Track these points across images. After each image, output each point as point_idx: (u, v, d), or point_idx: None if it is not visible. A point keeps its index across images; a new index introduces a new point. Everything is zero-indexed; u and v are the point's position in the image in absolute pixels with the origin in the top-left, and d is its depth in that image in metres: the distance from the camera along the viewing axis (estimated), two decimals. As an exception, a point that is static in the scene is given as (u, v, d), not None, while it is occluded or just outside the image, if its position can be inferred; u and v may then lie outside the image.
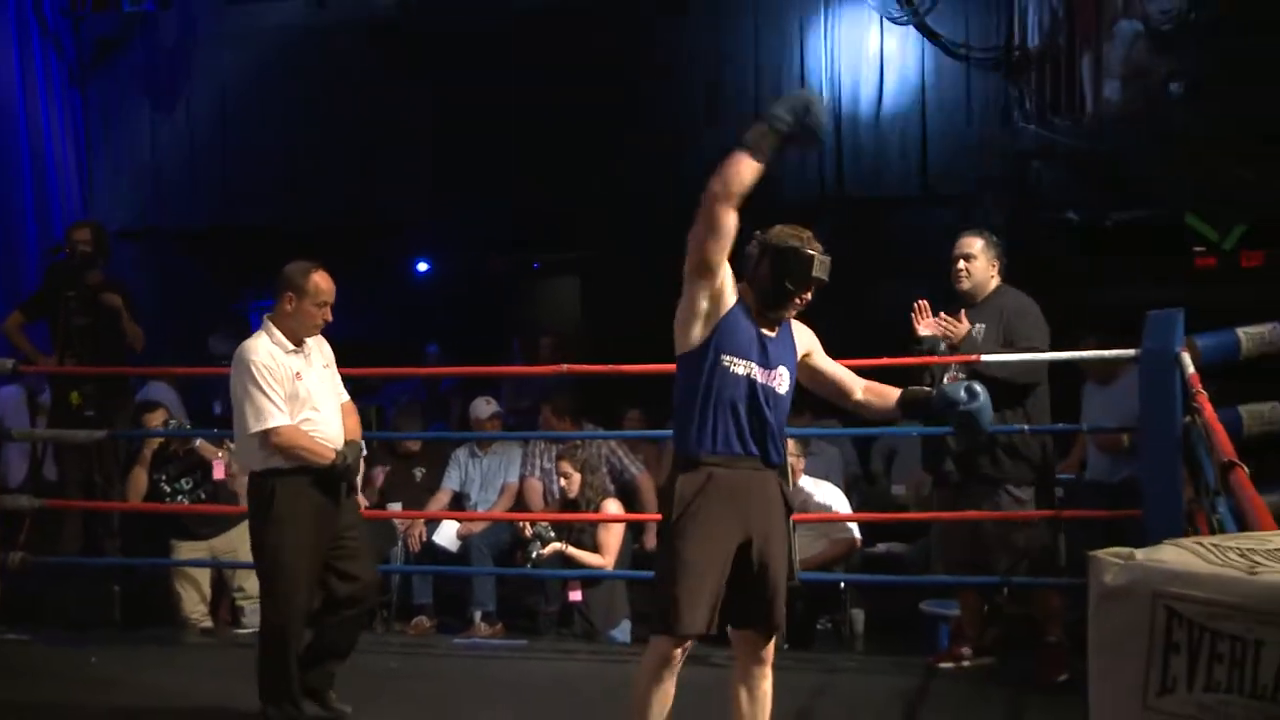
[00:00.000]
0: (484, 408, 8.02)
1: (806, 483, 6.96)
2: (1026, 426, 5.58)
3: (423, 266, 12.79)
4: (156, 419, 7.34)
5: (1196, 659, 1.83)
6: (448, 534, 7.67)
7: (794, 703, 5.29)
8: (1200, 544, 1.94)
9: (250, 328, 12.41)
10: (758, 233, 4.04)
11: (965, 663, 5.86)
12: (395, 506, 7.82)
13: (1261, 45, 5.89)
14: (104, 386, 7.33)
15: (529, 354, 10.15)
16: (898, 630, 7.15)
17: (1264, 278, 9.38)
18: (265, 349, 4.84)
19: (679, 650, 3.83)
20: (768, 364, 3.93)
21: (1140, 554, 1.90)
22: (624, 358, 7.04)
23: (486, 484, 7.82)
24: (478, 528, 7.58)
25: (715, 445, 3.85)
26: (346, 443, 4.96)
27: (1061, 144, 7.61)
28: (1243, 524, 3.41)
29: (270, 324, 4.91)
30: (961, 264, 5.69)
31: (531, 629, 7.22)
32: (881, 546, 7.60)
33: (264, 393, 4.77)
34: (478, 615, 7.30)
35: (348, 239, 10.75)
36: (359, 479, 5.49)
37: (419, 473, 8.02)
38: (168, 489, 7.14)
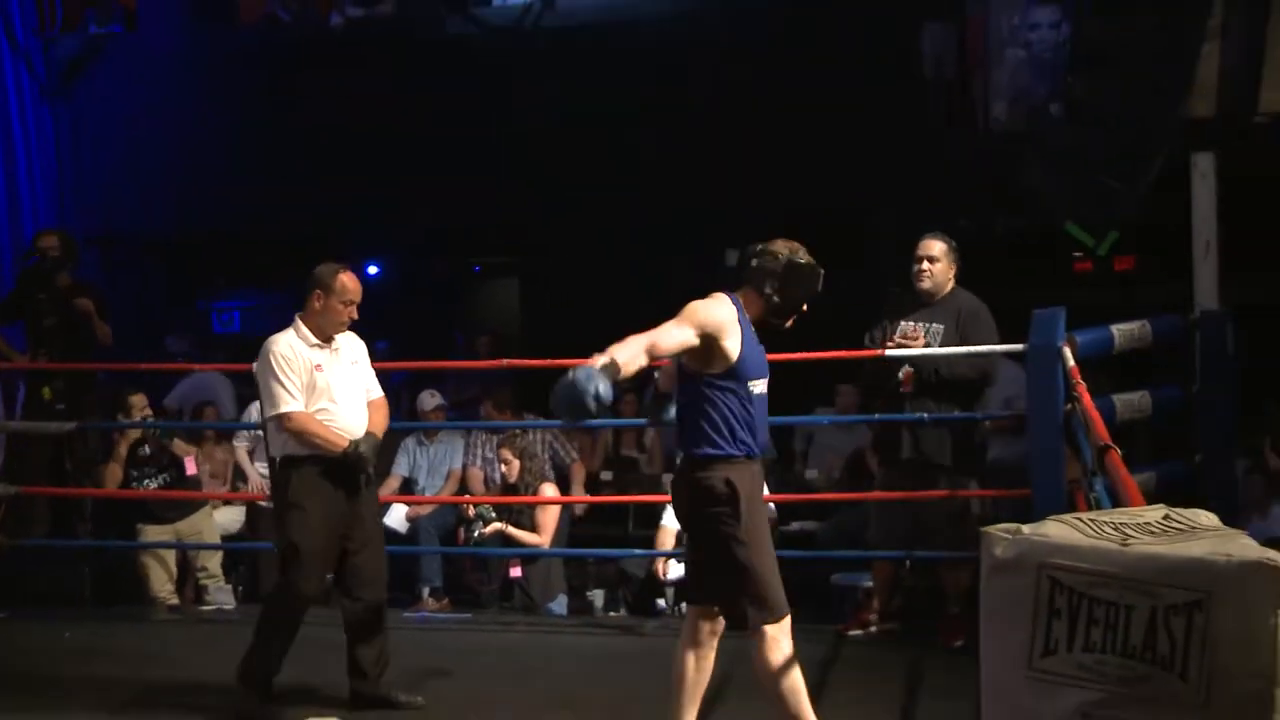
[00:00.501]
0: (429, 400, 8.01)
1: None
2: (926, 415, 5.63)
3: (373, 270, 12.69)
4: (136, 410, 7.28)
5: (1076, 623, 1.87)
6: (397, 516, 7.65)
7: (717, 667, 5.30)
8: (1080, 519, 1.98)
9: (211, 327, 12.36)
10: (759, 247, 4.02)
11: (872, 629, 5.93)
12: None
13: (1129, 72, 6.02)
14: (73, 382, 7.28)
15: (471, 350, 10.13)
16: (810, 602, 7.20)
17: (1134, 280, 9.57)
18: (287, 341, 4.78)
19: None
20: (766, 371, 3.98)
21: (1027, 529, 1.94)
22: (561, 353, 7.04)
23: (433, 470, 7.87)
24: (425, 510, 7.58)
25: (747, 447, 3.87)
26: (365, 434, 4.83)
27: (955, 158, 7.71)
28: (1117, 500, 3.50)
29: (299, 320, 4.85)
30: (925, 265, 5.70)
31: (475, 603, 7.20)
32: (796, 525, 7.65)
33: (279, 380, 4.70)
34: (425, 591, 7.28)
35: (301, 244, 10.63)
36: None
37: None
38: (138, 485, 7.11)
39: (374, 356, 5.18)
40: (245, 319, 12.47)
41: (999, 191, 7.50)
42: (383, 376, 9.69)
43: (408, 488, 7.88)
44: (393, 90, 10.06)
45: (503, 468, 7.09)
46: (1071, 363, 5.12)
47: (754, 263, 3.99)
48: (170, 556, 7.19)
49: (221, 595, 7.20)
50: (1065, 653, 1.88)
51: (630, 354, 3.62)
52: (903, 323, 5.73)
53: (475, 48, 9.90)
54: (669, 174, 9.32)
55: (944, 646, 5.55)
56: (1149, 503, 2.43)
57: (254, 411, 7.28)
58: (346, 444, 4.75)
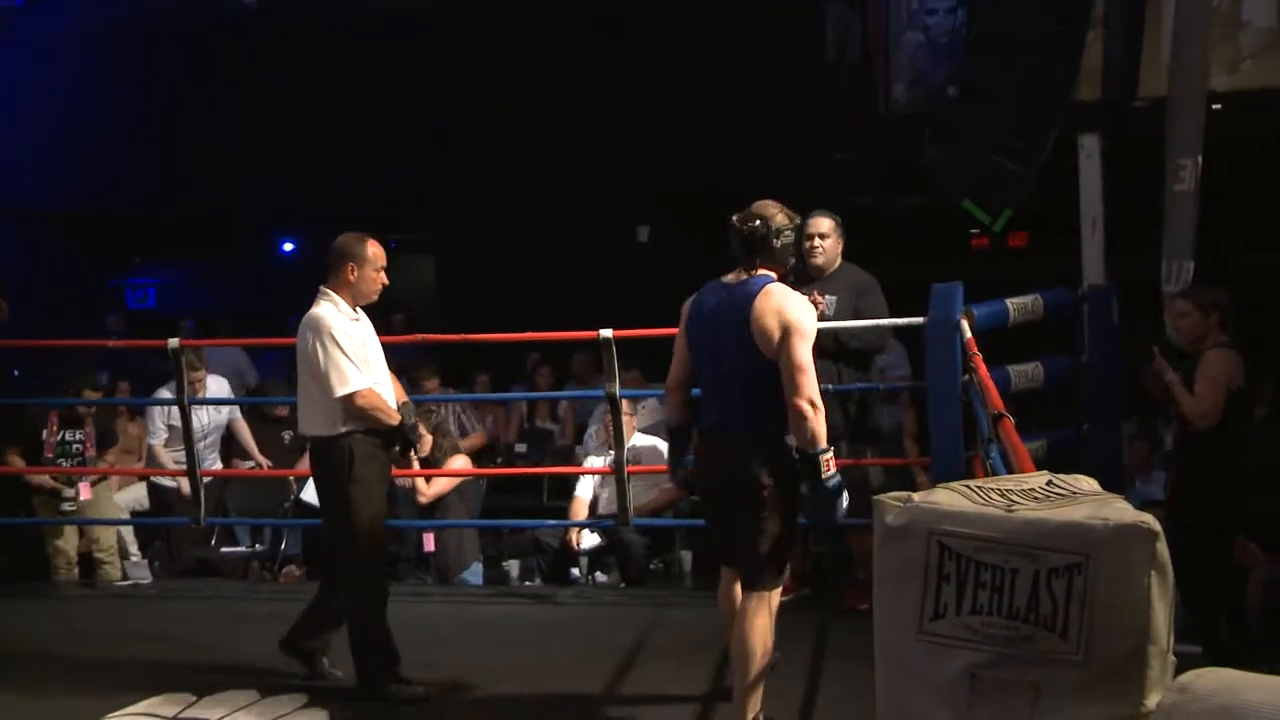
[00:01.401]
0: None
1: (639, 439, 7.01)
2: (831, 386, 5.68)
3: (289, 246, 12.49)
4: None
5: (964, 587, 1.91)
6: (313, 493, 7.55)
7: (632, 634, 5.37)
8: (968, 486, 2.02)
9: (126, 304, 12.08)
10: (764, 222, 4.03)
11: (789, 595, 5.97)
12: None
13: (1020, 56, 6.13)
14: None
15: (386, 326, 10.01)
16: (720, 569, 7.26)
17: (1027, 255, 9.78)
18: (335, 315, 4.57)
19: None
20: None
21: (918, 497, 1.97)
22: (476, 327, 7.02)
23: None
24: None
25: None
26: (402, 404, 4.70)
27: (858, 137, 7.78)
28: (1009, 467, 3.57)
29: (332, 294, 4.62)
30: (816, 241, 5.70)
31: (392, 574, 7.15)
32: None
33: (346, 356, 4.50)
34: (343, 564, 7.20)
35: (215, 220, 10.44)
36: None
37: (287, 435, 7.89)
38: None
39: (288, 332, 5.07)
40: (161, 295, 12.21)
41: (900, 171, 7.59)
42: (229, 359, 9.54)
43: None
44: (306, 66, 9.89)
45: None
46: (968, 335, 5.19)
47: (777, 242, 4.03)
48: (73, 535, 7.12)
49: (137, 571, 7.08)
50: (954, 615, 1.92)
51: (821, 425, 3.87)
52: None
53: (388, 25, 9.76)
54: (582, 152, 9.29)
55: (851, 609, 5.63)
56: (1041, 469, 2.49)
57: (165, 394, 7.16)
58: (399, 416, 4.64)
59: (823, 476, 3.84)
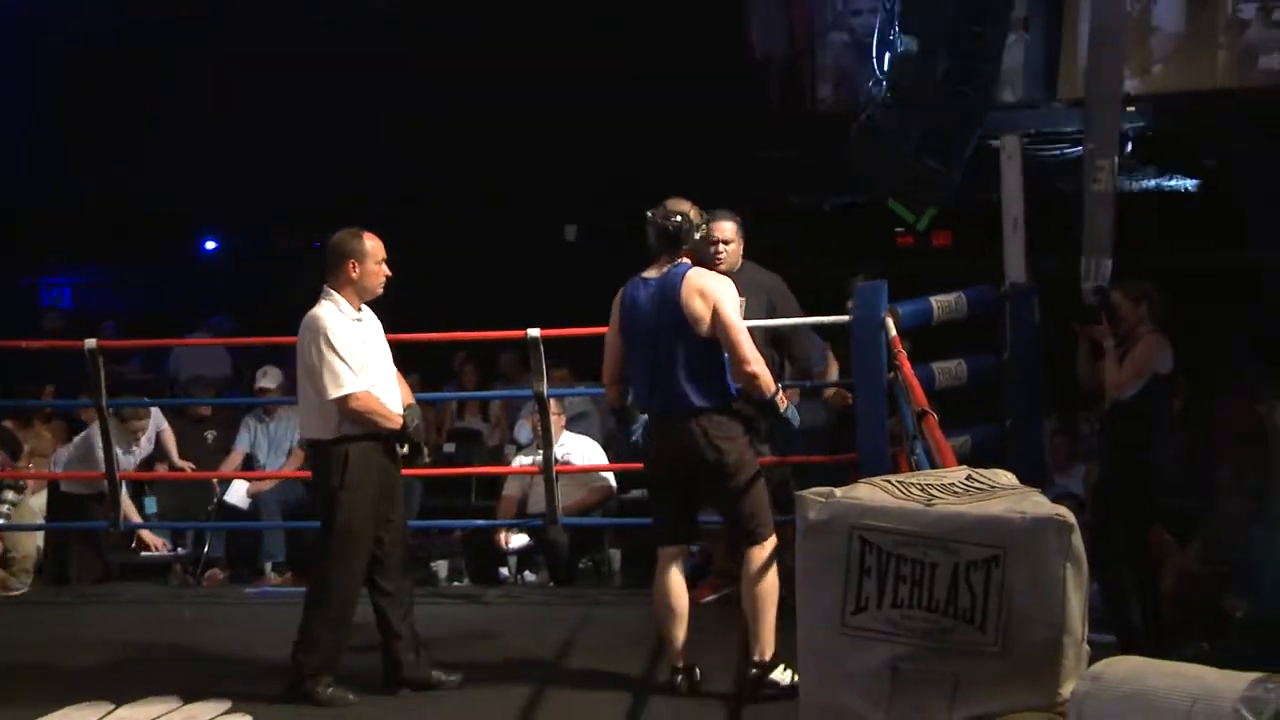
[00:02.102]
0: (264, 378, 7.82)
1: (567, 438, 7.01)
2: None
3: (210, 245, 12.30)
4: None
5: (885, 581, 1.94)
6: (239, 493, 7.48)
7: (562, 633, 5.36)
8: (889, 481, 2.05)
9: (40, 302, 11.81)
10: (683, 218, 4.36)
11: (723, 591, 6.01)
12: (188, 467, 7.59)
13: (943, 56, 6.22)
14: None
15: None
16: (650, 566, 7.27)
17: (951, 254, 9.92)
18: (335, 316, 4.45)
19: None
20: None
21: (839, 492, 2.00)
22: (402, 327, 6.95)
23: (274, 446, 7.68)
24: (267, 486, 7.41)
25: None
26: (407, 407, 4.60)
27: (785, 136, 7.84)
28: (934, 463, 3.62)
29: (334, 293, 4.50)
30: (720, 247, 5.62)
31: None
32: (635, 493, 7.72)
33: (341, 358, 4.38)
34: (268, 566, 7.14)
35: (136, 219, 10.24)
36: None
37: (210, 435, 7.79)
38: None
39: (213, 333, 5.00)
40: (78, 295, 11.97)
41: (826, 169, 7.67)
42: (222, 353, 9.45)
43: (248, 463, 7.70)
44: (228, 61, 9.74)
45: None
46: (893, 333, 5.26)
47: (698, 235, 4.40)
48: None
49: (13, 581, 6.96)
50: (875, 609, 1.96)
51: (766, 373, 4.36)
52: None
53: (312, 21, 9.65)
54: (509, 151, 9.27)
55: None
56: (965, 465, 2.53)
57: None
58: (401, 420, 4.53)
59: (780, 412, 4.40)
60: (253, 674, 4.89)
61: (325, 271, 4.56)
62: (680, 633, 4.47)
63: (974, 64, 6.16)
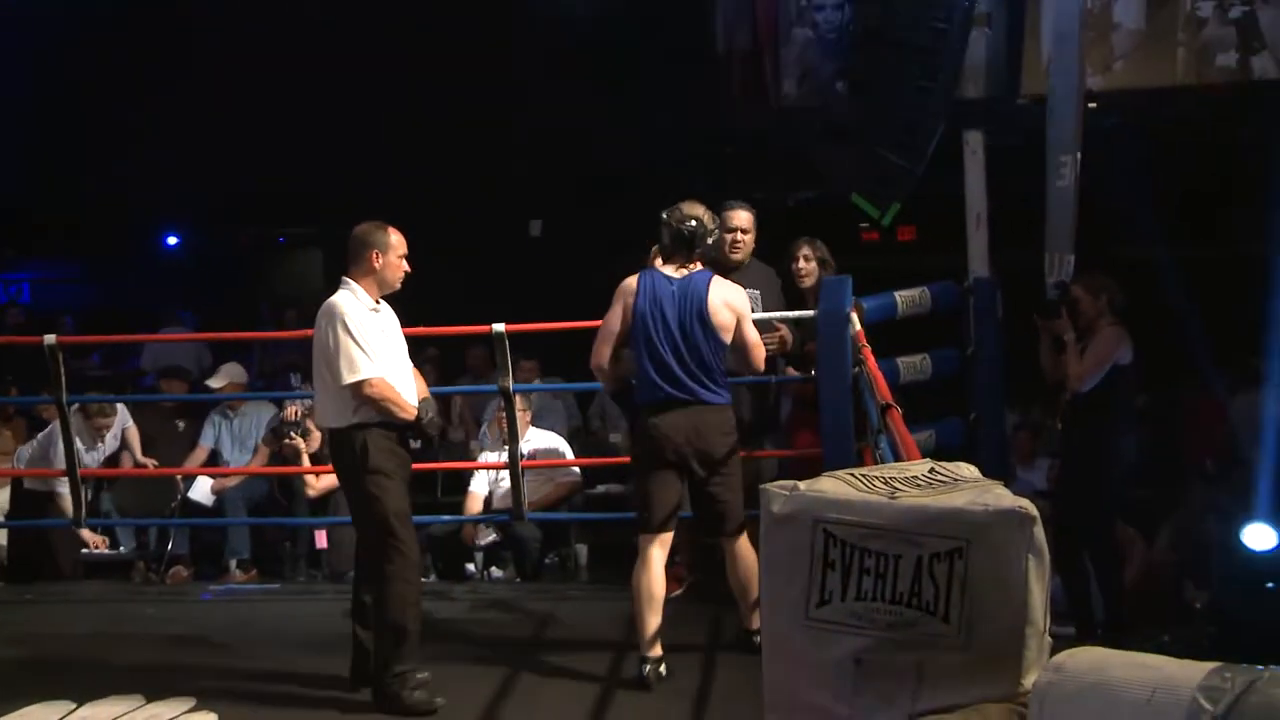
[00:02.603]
0: (214, 378, 7.78)
1: (534, 433, 7.00)
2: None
3: (173, 240, 12.19)
4: None
5: (849, 573, 1.95)
6: (203, 490, 7.41)
7: (528, 629, 5.36)
8: (853, 474, 2.06)
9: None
10: (699, 222, 4.67)
11: (686, 584, 6.02)
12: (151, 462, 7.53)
13: (906, 53, 6.25)
14: None
15: (277, 320, 9.84)
16: (616, 561, 7.28)
17: (915, 249, 9.97)
18: (353, 303, 4.44)
19: None
20: None
21: (803, 485, 2.00)
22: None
23: (238, 442, 7.63)
24: (231, 482, 7.35)
25: None
26: (422, 399, 4.58)
27: (750, 131, 7.85)
28: (898, 457, 3.64)
29: (352, 283, 4.49)
30: (739, 236, 5.68)
31: (280, 573, 7.05)
32: (601, 488, 7.72)
33: (357, 344, 4.36)
34: (233, 563, 7.08)
35: (98, 214, 10.13)
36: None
37: (180, 424, 7.79)
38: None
39: (178, 327, 4.95)
40: (36, 291, 11.83)
41: (790, 164, 7.68)
42: (188, 349, 9.36)
43: (213, 459, 7.64)
44: (188, 55, 9.65)
45: (299, 441, 6.89)
46: (858, 327, 5.28)
47: (709, 240, 4.72)
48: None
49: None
50: (839, 602, 1.96)
51: None
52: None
53: (272, 15, 9.57)
54: (474, 146, 9.23)
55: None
56: (928, 458, 2.54)
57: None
58: (416, 411, 4.50)
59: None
60: (217, 672, 4.87)
61: (346, 261, 4.55)
62: (656, 622, 4.57)
63: (937, 60, 6.19)
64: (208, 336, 8.90)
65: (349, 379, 4.38)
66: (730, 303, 4.68)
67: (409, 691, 4.37)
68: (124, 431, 7.50)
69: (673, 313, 4.63)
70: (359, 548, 4.66)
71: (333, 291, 4.57)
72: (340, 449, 4.49)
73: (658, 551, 4.63)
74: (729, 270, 5.71)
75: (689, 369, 4.63)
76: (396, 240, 4.59)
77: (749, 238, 5.75)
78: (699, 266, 4.71)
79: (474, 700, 4.47)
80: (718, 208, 5.82)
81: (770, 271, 5.87)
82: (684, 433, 4.62)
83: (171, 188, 10.11)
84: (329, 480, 6.68)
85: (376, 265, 4.54)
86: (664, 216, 4.71)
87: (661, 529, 4.66)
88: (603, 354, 4.75)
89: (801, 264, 6.01)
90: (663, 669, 4.55)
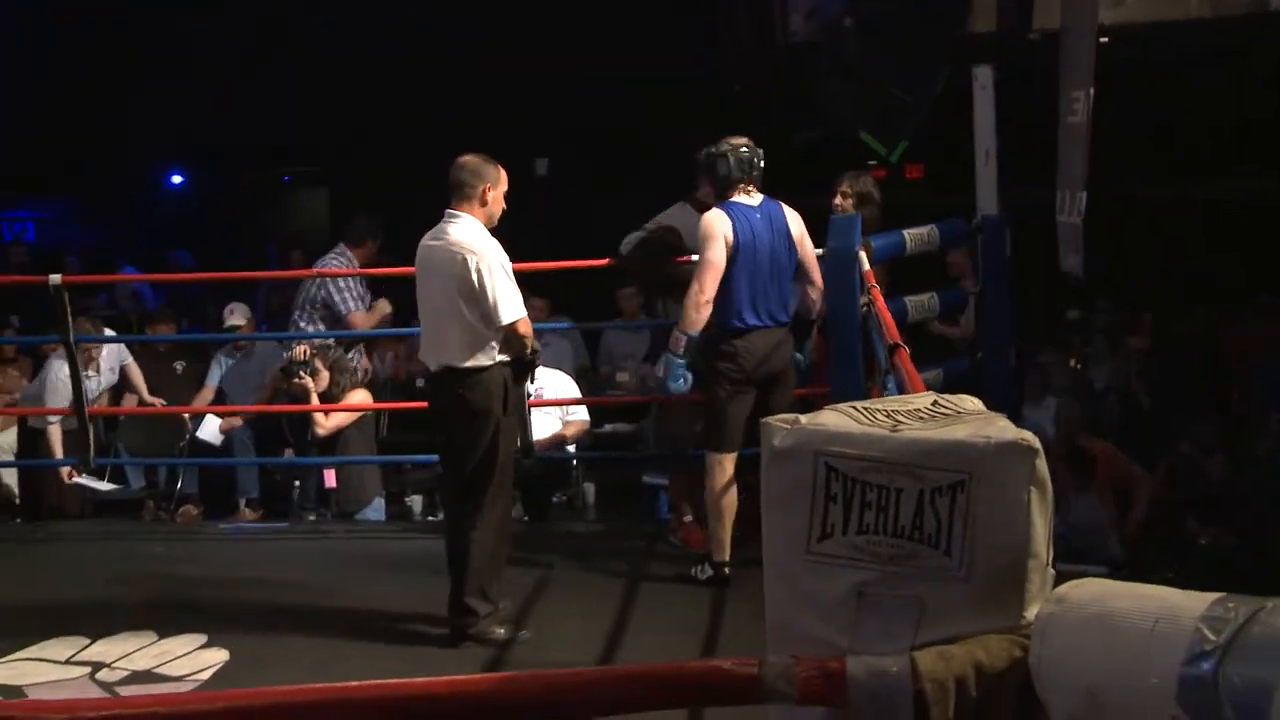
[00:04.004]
0: (232, 315, 7.76)
1: (542, 372, 6.98)
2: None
3: (177, 179, 12.14)
4: None
5: (850, 507, 1.94)
6: (211, 429, 7.44)
7: (538, 568, 5.39)
8: (855, 408, 2.05)
9: (2, 236, 11.62)
10: (748, 144, 5.00)
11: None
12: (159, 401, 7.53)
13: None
14: None
15: (283, 260, 9.81)
16: (624, 500, 7.33)
17: (923, 186, 9.89)
18: (491, 240, 4.43)
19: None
20: None
21: (804, 419, 2.00)
22: (376, 263, 6.93)
23: (245, 382, 7.61)
24: (239, 422, 7.38)
25: None
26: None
27: (755, 69, 7.75)
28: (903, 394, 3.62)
29: (467, 216, 4.45)
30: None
31: (290, 511, 7.10)
32: (609, 426, 7.74)
33: (511, 282, 4.39)
34: (242, 502, 7.13)
35: (101, 152, 10.08)
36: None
37: (179, 365, 7.78)
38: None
39: (176, 268, 4.94)
40: (40, 229, 11.80)
41: (797, 103, 7.60)
42: (190, 289, 9.37)
43: (220, 399, 7.65)
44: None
45: (308, 380, 6.85)
46: (866, 266, 5.25)
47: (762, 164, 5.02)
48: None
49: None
50: (841, 536, 1.95)
51: None
52: None
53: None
54: (479, 83, 9.15)
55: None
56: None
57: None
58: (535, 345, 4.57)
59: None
60: (228, 609, 4.93)
61: (454, 194, 4.51)
62: (729, 533, 5.00)
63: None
64: (213, 276, 8.84)
65: (508, 318, 4.38)
66: (798, 219, 5.10)
67: (496, 629, 4.44)
68: (124, 368, 7.47)
69: (765, 240, 4.95)
70: (454, 488, 4.62)
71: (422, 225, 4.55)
72: (474, 388, 4.43)
73: (730, 467, 4.97)
74: None
75: (780, 293, 5.01)
76: (503, 175, 4.57)
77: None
78: (755, 191, 5.00)
79: (484, 640, 4.50)
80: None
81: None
82: (765, 355, 4.97)
83: (176, 126, 10.05)
84: (338, 419, 6.70)
85: (488, 199, 4.51)
86: (718, 150, 4.95)
87: (739, 448, 4.99)
88: (711, 292, 4.90)
89: (837, 200, 5.91)
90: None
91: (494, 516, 4.49)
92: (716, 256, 4.89)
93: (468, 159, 4.55)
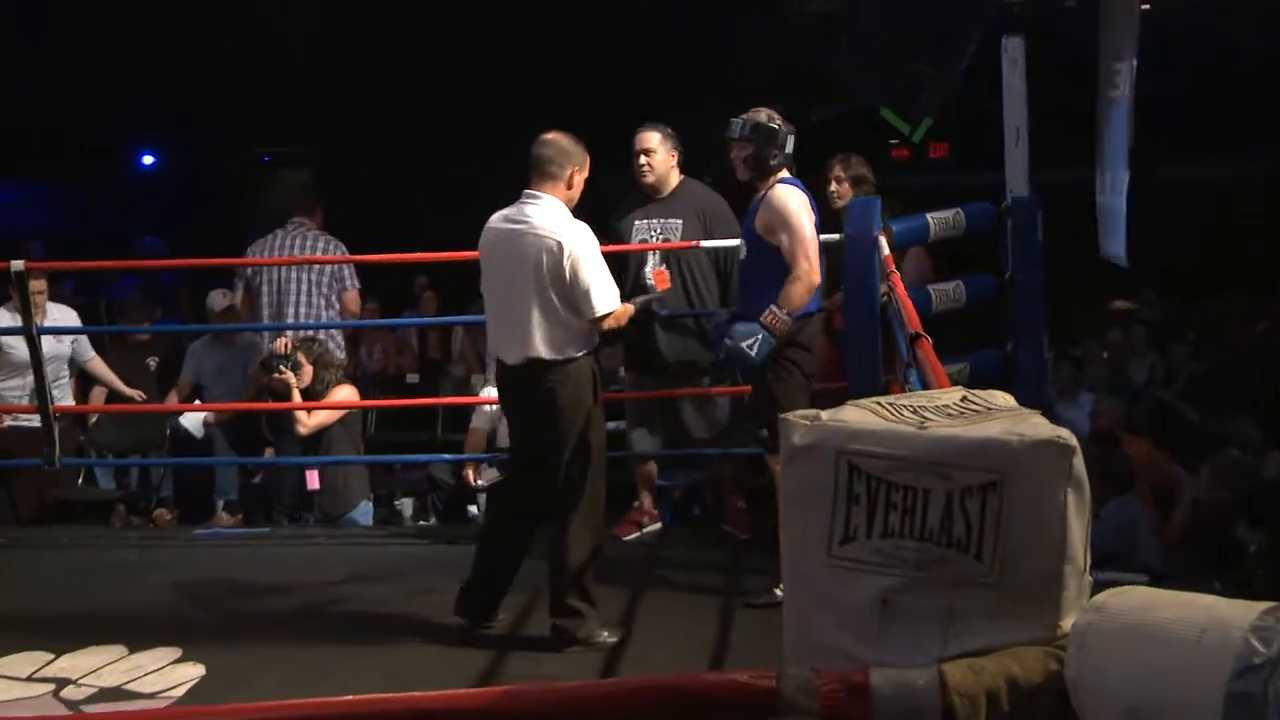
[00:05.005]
0: (220, 301, 7.74)
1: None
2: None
3: (149, 159, 12.15)
4: None
5: (874, 508, 1.94)
6: (194, 420, 7.40)
7: (535, 575, 5.36)
8: (878, 403, 2.05)
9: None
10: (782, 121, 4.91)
11: (647, 529, 6.09)
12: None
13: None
14: None
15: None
16: (623, 500, 7.30)
17: (948, 167, 9.88)
18: (583, 226, 4.44)
19: None
20: None
21: (825, 415, 2.00)
22: (358, 249, 6.92)
23: (224, 374, 7.58)
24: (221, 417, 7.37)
25: None
26: None
27: (769, 43, 7.75)
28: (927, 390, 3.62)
29: (556, 199, 4.44)
30: (643, 159, 5.71)
31: (272, 517, 7.10)
32: (611, 425, 7.70)
33: (604, 271, 4.41)
34: (220, 505, 7.12)
35: (66, 133, 10.09)
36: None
37: (152, 362, 7.74)
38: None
39: (147, 255, 4.93)
40: (3, 214, 11.82)
41: (814, 78, 7.60)
42: (159, 276, 9.33)
43: (197, 393, 7.64)
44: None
45: (289, 375, 6.84)
46: (886, 252, 5.25)
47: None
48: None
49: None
50: (864, 539, 1.96)
51: None
52: (636, 222, 5.79)
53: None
54: (472, 56, 9.15)
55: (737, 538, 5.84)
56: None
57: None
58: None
59: None
60: (204, 620, 4.92)
61: (535, 173, 4.47)
62: None
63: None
64: (189, 263, 8.83)
65: (602, 309, 4.40)
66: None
67: (594, 629, 4.47)
68: (89, 364, 7.38)
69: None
70: (529, 487, 4.63)
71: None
72: (564, 381, 4.44)
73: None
74: (648, 199, 5.73)
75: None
76: (589, 159, 4.59)
77: (654, 159, 5.72)
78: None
79: (475, 650, 4.51)
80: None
81: (712, 201, 5.83)
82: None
83: (147, 104, 10.05)
84: (321, 417, 6.71)
85: (574, 182, 4.50)
86: (780, 124, 4.85)
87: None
88: (817, 269, 4.81)
89: (833, 186, 5.96)
90: None
91: (594, 512, 4.53)
92: (811, 233, 4.80)
93: (554, 136, 4.52)
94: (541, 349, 4.42)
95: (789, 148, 4.87)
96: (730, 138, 4.91)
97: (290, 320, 6.84)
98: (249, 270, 6.98)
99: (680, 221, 5.74)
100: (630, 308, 4.61)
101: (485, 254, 4.61)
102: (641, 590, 5.15)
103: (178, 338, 7.93)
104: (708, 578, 5.30)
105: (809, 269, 4.73)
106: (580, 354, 4.47)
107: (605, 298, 4.41)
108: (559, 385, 4.43)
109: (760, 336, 4.66)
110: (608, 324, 4.48)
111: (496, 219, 4.55)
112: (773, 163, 4.86)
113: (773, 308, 4.69)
